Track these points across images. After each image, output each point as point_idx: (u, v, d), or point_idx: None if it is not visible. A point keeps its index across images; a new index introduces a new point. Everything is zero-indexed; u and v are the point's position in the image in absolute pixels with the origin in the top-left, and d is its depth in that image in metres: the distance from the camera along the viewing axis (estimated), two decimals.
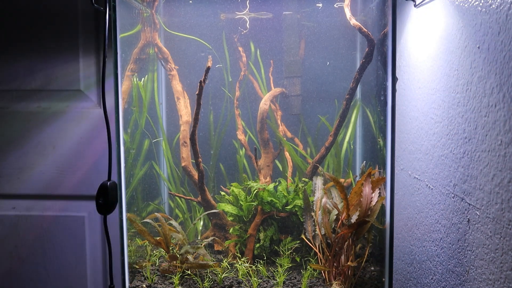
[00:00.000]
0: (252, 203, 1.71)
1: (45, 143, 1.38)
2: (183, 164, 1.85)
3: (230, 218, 1.77)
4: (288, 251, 1.64)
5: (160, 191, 2.16)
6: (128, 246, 1.47)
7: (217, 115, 2.14)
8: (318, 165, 1.76)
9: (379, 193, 1.43)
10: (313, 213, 1.56)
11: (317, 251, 1.52)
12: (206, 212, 1.77)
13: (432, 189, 1.15)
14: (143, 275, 1.58)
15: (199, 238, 1.96)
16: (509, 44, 0.76)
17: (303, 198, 1.63)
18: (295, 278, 1.55)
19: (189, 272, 1.54)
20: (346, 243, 1.45)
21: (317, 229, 1.52)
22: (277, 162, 2.06)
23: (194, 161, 1.74)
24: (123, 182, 1.32)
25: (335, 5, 1.85)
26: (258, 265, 1.60)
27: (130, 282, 1.53)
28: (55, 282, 1.42)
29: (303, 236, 1.60)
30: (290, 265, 1.60)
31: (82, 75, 1.37)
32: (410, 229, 1.33)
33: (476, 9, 0.88)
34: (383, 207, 1.37)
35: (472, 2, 0.90)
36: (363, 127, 2.02)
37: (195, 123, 1.60)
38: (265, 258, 1.66)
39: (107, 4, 1.08)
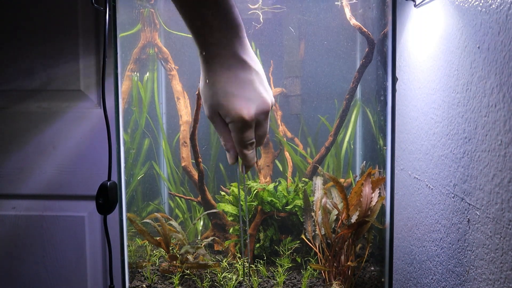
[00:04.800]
0: (252, 203, 1.71)
1: (45, 143, 1.38)
2: (183, 164, 1.85)
3: (230, 218, 1.77)
4: (288, 251, 1.64)
5: (160, 191, 2.16)
6: (128, 246, 1.47)
7: None
8: (318, 165, 1.76)
9: (379, 193, 1.43)
10: (313, 213, 1.56)
11: (317, 251, 1.52)
12: (206, 212, 1.76)
13: (432, 189, 1.15)
14: (143, 275, 1.58)
15: (199, 238, 1.96)
16: (509, 44, 0.76)
17: (303, 198, 1.63)
18: (295, 278, 1.55)
19: (188, 272, 1.54)
20: (346, 243, 1.45)
21: (317, 229, 1.52)
22: (277, 162, 2.06)
23: (194, 161, 1.74)
24: (123, 182, 1.32)
25: (336, 2, 1.85)
26: (258, 265, 1.60)
27: (130, 282, 1.53)
28: (55, 282, 1.42)
29: (303, 236, 1.60)
30: (290, 265, 1.60)
31: (82, 75, 1.37)
32: (410, 229, 1.33)
33: (476, 9, 0.88)
34: (383, 207, 1.37)
35: (472, 2, 0.90)
36: (363, 127, 2.02)
37: (195, 123, 1.60)
38: (265, 258, 1.66)
39: (107, 4, 1.08)
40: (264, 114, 0.70)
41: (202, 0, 0.62)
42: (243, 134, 0.69)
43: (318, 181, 1.64)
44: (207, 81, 0.69)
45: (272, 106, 0.72)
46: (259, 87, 0.69)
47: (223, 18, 0.64)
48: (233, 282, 1.49)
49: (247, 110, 0.67)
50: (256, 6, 1.87)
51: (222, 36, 0.65)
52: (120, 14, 1.25)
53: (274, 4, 1.89)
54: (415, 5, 1.26)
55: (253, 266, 1.60)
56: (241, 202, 1.53)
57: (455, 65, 0.99)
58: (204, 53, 0.67)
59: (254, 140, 0.71)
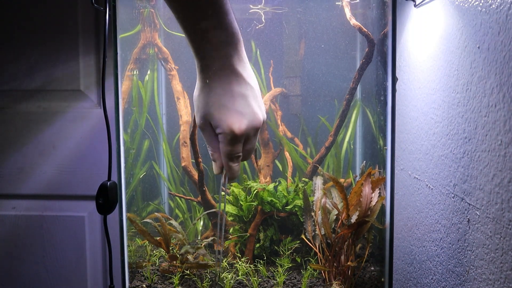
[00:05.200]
0: (252, 203, 1.71)
1: (45, 143, 1.38)
2: (183, 164, 1.85)
3: (230, 218, 1.77)
4: (288, 251, 1.64)
5: (160, 191, 2.16)
6: (128, 246, 1.47)
7: None
8: (318, 165, 1.76)
9: (379, 193, 1.43)
10: (313, 213, 1.56)
11: (317, 251, 1.52)
12: (206, 212, 1.76)
13: (432, 189, 1.15)
14: (143, 275, 1.58)
15: (199, 238, 1.96)
16: (509, 44, 0.76)
17: (303, 198, 1.63)
18: (295, 278, 1.55)
19: (188, 272, 1.54)
20: (346, 243, 1.45)
21: (317, 229, 1.52)
22: (277, 162, 2.06)
23: (194, 161, 1.74)
24: (123, 182, 1.32)
25: (337, 2, 1.85)
26: (258, 265, 1.60)
27: (130, 282, 1.53)
28: (55, 282, 1.42)
29: (303, 236, 1.60)
30: (290, 265, 1.60)
31: (82, 75, 1.37)
32: (410, 229, 1.33)
33: (476, 9, 0.88)
34: (383, 207, 1.37)
35: (472, 2, 0.90)
36: (363, 127, 2.02)
37: (195, 123, 1.60)
38: (265, 258, 1.66)
39: (107, 4, 1.08)
40: (254, 130, 0.70)
41: (203, 13, 0.62)
42: (231, 147, 0.69)
43: (318, 181, 1.64)
44: (202, 90, 0.69)
45: (263, 123, 0.72)
46: (253, 102, 0.69)
47: (223, 32, 0.64)
48: (232, 281, 1.50)
49: (239, 124, 0.67)
50: (258, 7, 1.87)
51: (220, 49, 0.65)
52: (120, 14, 1.25)
53: (275, 4, 1.89)
54: (415, 5, 1.26)
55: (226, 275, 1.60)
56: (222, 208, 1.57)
57: (455, 65, 0.99)
58: (201, 64, 0.67)
59: (241, 154, 0.71)
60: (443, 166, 1.08)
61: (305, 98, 2.08)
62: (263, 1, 1.84)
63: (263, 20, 1.91)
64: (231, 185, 1.83)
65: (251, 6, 1.87)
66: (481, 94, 0.87)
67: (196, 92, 0.72)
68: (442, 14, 1.07)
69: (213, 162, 0.74)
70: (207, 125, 0.70)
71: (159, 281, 1.54)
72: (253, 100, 0.70)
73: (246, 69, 0.69)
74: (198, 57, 0.67)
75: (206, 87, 0.68)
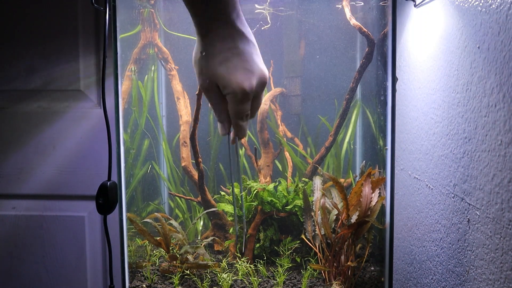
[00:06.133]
0: (252, 203, 1.71)
1: (45, 143, 1.38)
2: (183, 164, 1.85)
3: (230, 218, 1.77)
4: (288, 251, 1.64)
5: (160, 191, 2.16)
6: (128, 246, 1.47)
7: None
8: (317, 165, 1.76)
9: (379, 193, 1.43)
10: (313, 213, 1.56)
11: (317, 251, 1.52)
12: (206, 211, 1.76)
13: (432, 189, 1.15)
14: (143, 275, 1.58)
15: (199, 238, 1.96)
16: (509, 44, 0.76)
17: (303, 198, 1.63)
18: (295, 278, 1.55)
19: (188, 272, 1.54)
20: (346, 243, 1.45)
21: (317, 229, 1.52)
22: (277, 162, 2.06)
23: (194, 161, 1.74)
24: (123, 182, 1.32)
25: (337, 5, 1.85)
26: (258, 265, 1.60)
27: (130, 282, 1.53)
28: (55, 282, 1.42)
29: (303, 236, 1.60)
30: (290, 265, 1.60)
31: (82, 75, 1.37)
32: (410, 229, 1.33)
33: (476, 9, 0.88)
34: (383, 207, 1.37)
35: (472, 2, 0.90)
36: (363, 127, 2.02)
37: (195, 123, 1.60)
38: (265, 258, 1.66)
39: (107, 4, 1.08)
40: (262, 86, 0.69)
41: None
42: (241, 106, 0.68)
43: (318, 181, 1.63)
44: (204, 53, 0.68)
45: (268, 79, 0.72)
46: (257, 59, 0.69)
47: None
48: (230, 281, 1.50)
49: (249, 82, 0.66)
50: (262, 7, 1.86)
51: (220, 8, 0.64)
52: (120, 14, 1.25)
53: (277, 4, 1.89)
54: (415, 5, 1.26)
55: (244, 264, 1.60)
56: (236, 195, 1.55)
57: (455, 65, 0.99)
58: (202, 25, 0.66)
59: (249, 112, 0.70)
60: (443, 166, 1.08)
61: (305, 98, 2.08)
62: (268, 1, 1.84)
63: (269, 21, 1.90)
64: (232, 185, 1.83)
65: (257, 6, 1.87)
66: (481, 94, 0.87)
67: (196, 55, 0.70)
68: (442, 14, 1.07)
69: (219, 124, 0.73)
70: (213, 87, 0.69)
71: (159, 281, 1.54)
72: (257, 56, 0.69)
73: (245, 26, 0.68)
74: (197, 21, 0.66)
75: (209, 49, 0.67)
